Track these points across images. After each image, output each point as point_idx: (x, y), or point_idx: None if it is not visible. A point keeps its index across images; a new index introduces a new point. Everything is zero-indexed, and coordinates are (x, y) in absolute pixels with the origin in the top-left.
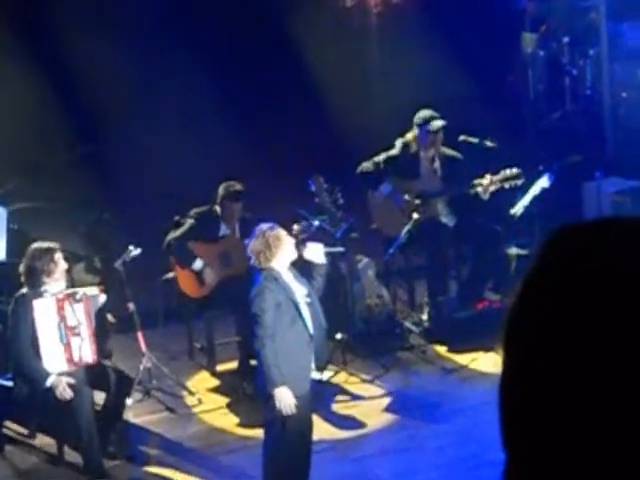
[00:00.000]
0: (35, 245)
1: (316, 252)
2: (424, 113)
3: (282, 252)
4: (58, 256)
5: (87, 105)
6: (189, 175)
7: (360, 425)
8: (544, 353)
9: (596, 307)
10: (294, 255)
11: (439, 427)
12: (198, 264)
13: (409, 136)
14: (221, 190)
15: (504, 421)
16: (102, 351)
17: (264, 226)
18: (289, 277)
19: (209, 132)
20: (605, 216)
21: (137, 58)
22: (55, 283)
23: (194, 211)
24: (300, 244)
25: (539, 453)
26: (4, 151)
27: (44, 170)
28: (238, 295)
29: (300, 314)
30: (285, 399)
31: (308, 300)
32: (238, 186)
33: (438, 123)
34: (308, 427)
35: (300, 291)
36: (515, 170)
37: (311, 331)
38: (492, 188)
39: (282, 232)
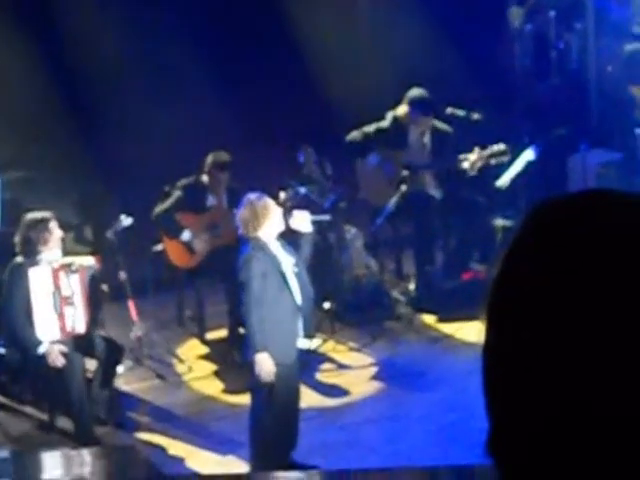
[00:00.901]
0: (29, 215)
1: (302, 220)
2: (416, 92)
3: (269, 222)
4: (53, 225)
5: (79, 76)
6: (179, 145)
7: (347, 393)
8: (527, 323)
9: (580, 276)
10: (282, 225)
11: (425, 395)
12: (186, 235)
13: (400, 110)
14: (208, 160)
15: (487, 390)
16: (95, 320)
17: (252, 196)
18: (276, 247)
19: (198, 102)
20: (587, 189)
21: (128, 29)
22: (50, 252)
23: (181, 182)
24: (287, 213)
25: (521, 422)
26: None
27: (37, 140)
28: (227, 264)
29: (287, 283)
30: (265, 366)
31: (295, 270)
32: (225, 156)
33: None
34: (295, 395)
35: (287, 261)
36: (502, 146)
37: (298, 300)
38: (479, 164)
39: (270, 202)
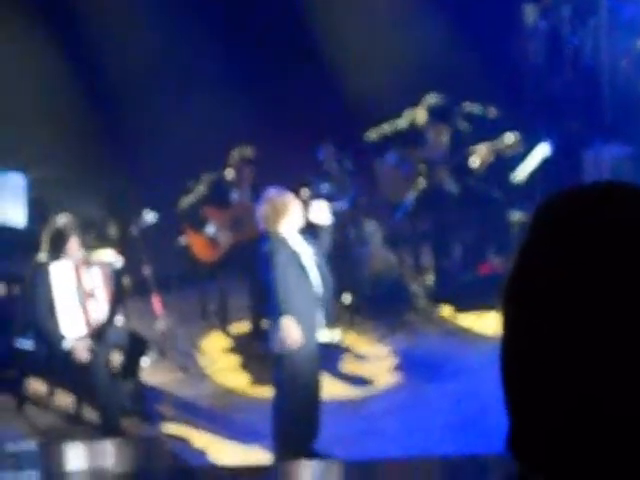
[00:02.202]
0: (56, 221)
1: (321, 211)
2: (433, 100)
3: (289, 217)
4: (76, 233)
5: (103, 75)
6: (201, 141)
7: (367, 384)
8: (543, 316)
9: (595, 267)
10: (301, 220)
11: (444, 386)
12: (210, 229)
13: (418, 117)
14: (234, 155)
15: (505, 385)
16: (118, 314)
17: (272, 191)
18: (296, 240)
19: (219, 99)
20: (598, 181)
21: (148, 29)
22: (73, 252)
23: (206, 177)
24: (306, 204)
25: (540, 417)
26: (23, 121)
27: (62, 139)
28: (250, 259)
29: (307, 276)
30: (291, 330)
31: (316, 260)
32: (250, 151)
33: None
34: (316, 385)
35: (307, 253)
36: (512, 137)
37: (319, 293)
38: (490, 158)
39: (290, 197)
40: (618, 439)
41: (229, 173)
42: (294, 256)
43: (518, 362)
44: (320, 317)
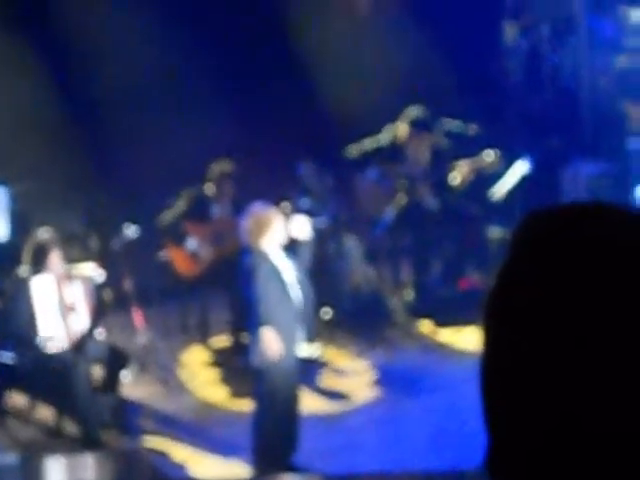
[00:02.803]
0: (38, 234)
1: (302, 226)
2: (415, 112)
3: (271, 232)
4: (58, 247)
5: (86, 90)
6: (183, 156)
7: (346, 398)
8: (523, 334)
9: (575, 286)
10: (284, 236)
11: (423, 401)
12: (192, 243)
13: (399, 130)
14: (214, 169)
15: (485, 403)
16: (98, 327)
17: (257, 205)
18: (278, 256)
19: (201, 114)
20: (578, 200)
21: (133, 44)
22: (54, 266)
23: (187, 191)
24: (287, 219)
25: (520, 437)
26: (4, 135)
27: (45, 153)
28: (231, 273)
29: (287, 292)
30: (271, 341)
31: (296, 275)
32: (230, 165)
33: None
34: (296, 399)
35: (288, 269)
36: (491, 154)
37: (299, 308)
38: (470, 176)
39: (273, 213)
40: (599, 459)
41: (209, 188)
42: (275, 271)
43: (498, 380)
44: (300, 332)
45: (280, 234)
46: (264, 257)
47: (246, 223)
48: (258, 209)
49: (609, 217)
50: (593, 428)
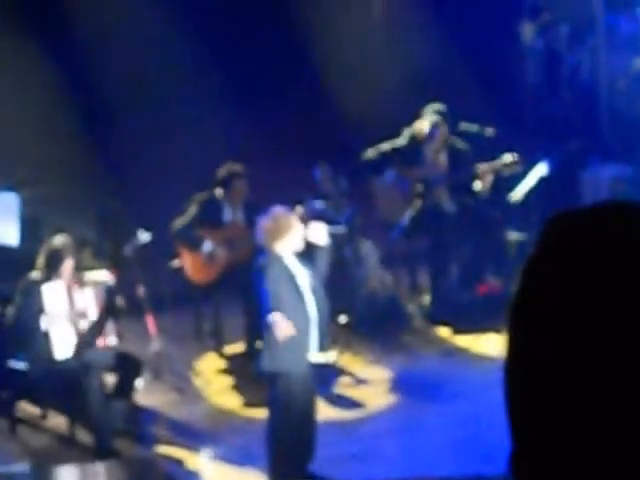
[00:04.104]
0: (54, 241)
1: (319, 232)
2: (435, 106)
3: (289, 237)
4: (71, 251)
5: (97, 95)
6: (196, 161)
7: (363, 406)
8: (548, 337)
9: (601, 288)
10: (301, 243)
11: (440, 408)
12: (208, 245)
13: (417, 126)
14: (223, 171)
15: (509, 406)
16: (111, 334)
17: (279, 209)
18: (292, 261)
19: (215, 118)
20: (602, 200)
21: (143, 48)
22: (67, 273)
23: (198, 196)
24: (304, 225)
25: (543, 440)
26: (16, 140)
27: (55, 157)
28: (244, 279)
29: (301, 296)
30: (281, 324)
31: (311, 282)
32: (238, 166)
33: (440, 120)
34: (311, 406)
35: (303, 274)
36: (512, 157)
37: (312, 314)
38: (490, 177)
39: (294, 218)
40: (622, 464)
41: (219, 191)
42: (289, 275)
43: (522, 383)
44: (314, 338)
45: (298, 240)
46: (279, 260)
47: (265, 224)
48: (279, 212)
49: (634, 218)
50: (616, 433)
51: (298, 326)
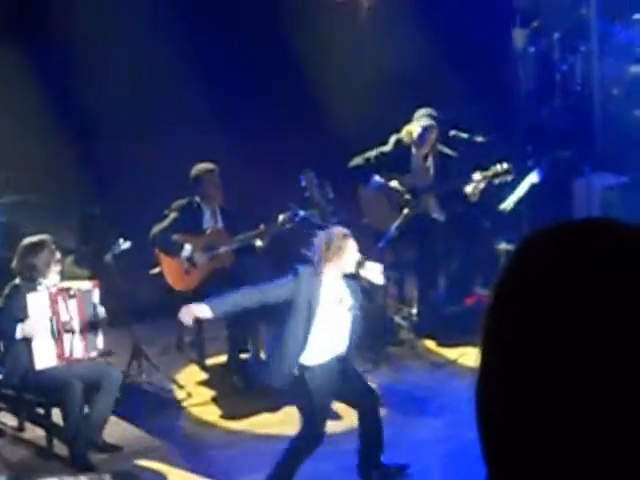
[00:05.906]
0: (26, 241)
1: (376, 272)
2: (422, 121)
3: (336, 262)
4: (51, 248)
5: (77, 99)
6: (179, 169)
7: (349, 419)
8: (523, 358)
9: (571, 305)
10: (351, 268)
11: (428, 421)
12: (187, 249)
13: (404, 132)
14: (195, 171)
15: (483, 431)
16: (92, 345)
17: (339, 229)
18: (328, 285)
19: (198, 125)
20: (573, 219)
21: (130, 52)
22: (49, 275)
23: (177, 203)
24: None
25: (520, 464)
26: None
27: (34, 163)
28: (225, 287)
29: (309, 320)
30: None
31: (337, 311)
32: (210, 164)
33: (432, 123)
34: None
35: (328, 303)
36: (505, 165)
37: (312, 340)
38: (482, 185)
39: (351, 245)
40: None
41: (197, 195)
42: (313, 295)
43: (494, 408)
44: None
45: (349, 264)
46: (312, 276)
47: (321, 239)
48: (338, 233)
49: (602, 241)
50: (600, 460)
51: (292, 340)
